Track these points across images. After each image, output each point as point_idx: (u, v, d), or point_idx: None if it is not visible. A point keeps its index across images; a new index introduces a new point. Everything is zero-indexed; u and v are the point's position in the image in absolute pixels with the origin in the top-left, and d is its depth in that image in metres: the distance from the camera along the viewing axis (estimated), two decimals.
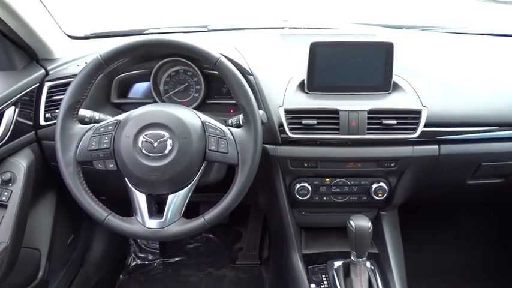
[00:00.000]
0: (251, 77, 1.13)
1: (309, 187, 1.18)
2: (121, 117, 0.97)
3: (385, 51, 1.10)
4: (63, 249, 1.49)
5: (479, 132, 1.14)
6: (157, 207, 1.01)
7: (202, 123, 0.96)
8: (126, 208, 1.03)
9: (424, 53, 1.35)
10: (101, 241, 1.72)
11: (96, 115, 1.04)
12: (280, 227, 1.30)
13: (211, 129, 0.95)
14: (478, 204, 1.66)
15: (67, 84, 0.97)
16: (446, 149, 1.14)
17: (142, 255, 1.90)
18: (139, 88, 1.26)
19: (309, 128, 1.09)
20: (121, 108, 1.21)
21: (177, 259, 1.88)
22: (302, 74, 1.14)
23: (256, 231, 1.91)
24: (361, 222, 1.04)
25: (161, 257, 1.88)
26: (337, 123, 1.08)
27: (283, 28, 1.51)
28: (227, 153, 0.94)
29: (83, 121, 1.00)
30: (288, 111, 1.09)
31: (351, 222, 1.05)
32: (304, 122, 1.08)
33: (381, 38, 1.13)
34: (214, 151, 0.94)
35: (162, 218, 0.94)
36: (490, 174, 1.22)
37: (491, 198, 1.54)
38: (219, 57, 0.95)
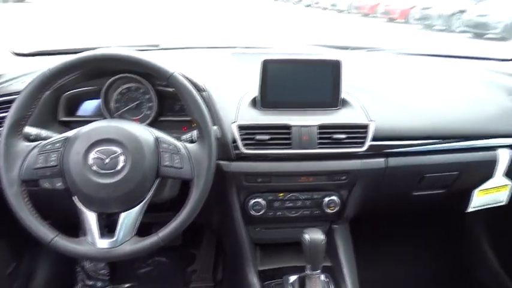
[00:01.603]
0: (204, 94, 1.13)
1: (263, 202, 1.18)
2: (70, 133, 0.94)
3: (333, 68, 1.15)
4: (4, 280, 1.39)
5: (423, 145, 1.21)
6: (108, 227, 0.97)
7: (156, 138, 0.95)
8: (74, 231, 0.99)
9: (370, 72, 1.43)
10: (46, 269, 1.62)
11: (43, 132, 1.00)
12: (235, 244, 1.29)
13: (164, 145, 0.94)
14: (427, 214, 1.74)
15: (11, 101, 0.93)
16: (393, 161, 1.19)
17: (91, 283, 1.80)
18: (89, 106, 1.22)
19: (262, 144, 1.10)
20: (69, 126, 1.17)
21: (128, 285, 1.80)
22: (255, 91, 1.16)
23: (209, 252, 1.88)
24: (314, 236, 1.06)
25: (111, 284, 1.80)
26: (289, 138, 1.11)
27: (234, 48, 1.54)
28: (181, 168, 0.93)
29: (28, 139, 0.96)
30: (241, 127, 1.10)
31: (305, 235, 1.06)
32: (257, 137, 1.10)
33: (328, 56, 1.19)
34: (168, 166, 0.93)
35: (113, 237, 0.91)
36: (433, 185, 1.29)
37: (436, 209, 1.62)
38: (172, 71, 0.96)
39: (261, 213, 1.19)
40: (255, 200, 1.18)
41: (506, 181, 1.33)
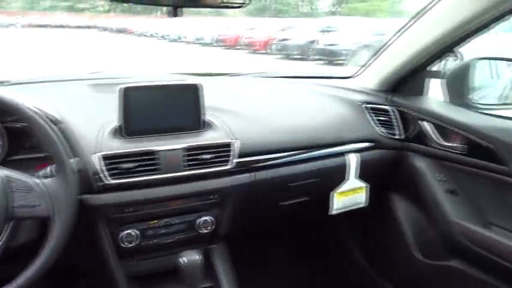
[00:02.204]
0: (62, 125, 1.07)
1: (136, 233, 1.14)
2: None
3: (193, 92, 1.18)
4: None
5: (285, 157, 1.31)
6: None
7: (4, 177, 0.86)
8: None
9: (232, 95, 1.50)
10: None
11: None
12: (108, 283, 1.21)
13: (15, 184, 0.86)
14: (299, 226, 1.85)
15: None
16: (260, 175, 1.26)
17: None
18: None
19: (128, 172, 1.08)
20: None
21: None
22: (116, 120, 1.13)
23: None
24: (190, 257, 1.06)
25: None
26: (156, 164, 1.10)
27: (93, 79, 1.49)
28: (37, 206, 0.86)
29: None
30: (104, 157, 1.06)
31: (180, 259, 1.06)
32: (122, 166, 1.07)
33: (188, 81, 1.22)
34: (21, 206, 0.85)
35: None
36: (298, 194, 1.39)
37: (305, 218, 1.74)
38: (19, 103, 0.89)
39: (134, 244, 1.14)
40: (126, 232, 1.13)
41: (360, 183, 1.49)
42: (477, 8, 1.23)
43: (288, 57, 13.33)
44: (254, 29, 15.97)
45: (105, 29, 26.40)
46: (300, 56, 13.15)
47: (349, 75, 1.76)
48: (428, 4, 1.37)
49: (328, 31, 13.08)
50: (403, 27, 1.47)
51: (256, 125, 1.32)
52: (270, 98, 1.53)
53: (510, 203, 1.29)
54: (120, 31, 24.97)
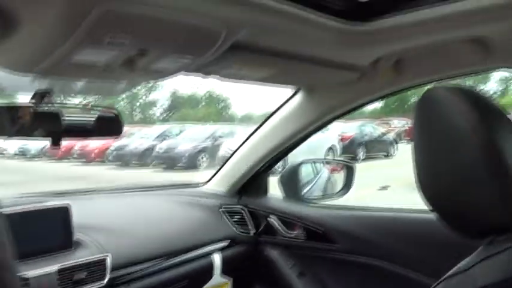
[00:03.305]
0: None
1: None
2: None
3: (62, 213, 1.22)
4: None
5: (156, 266, 1.38)
6: None
7: None
8: None
9: (99, 211, 1.54)
10: None
11: None
12: None
13: None
14: None
15: None
16: (135, 286, 1.30)
17: None
18: None
19: None
20: None
21: None
22: None
23: None
24: None
25: None
26: None
27: None
28: None
29: None
30: None
31: None
32: None
33: (54, 203, 1.24)
34: None
35: None
36: None
37: None
38: None
39: None
40: None
41: (224, 279, 1.64)
42: (304, 121, 1.61)
43: (127, 165, 13.18)
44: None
45: None
46: (138, 163, 13.15)
47: (202, 182, 1.97)
48: (267, 118, 1.71)
49: (164, 137, 13.59)
50: (247, 138, 1.78)
51: (125, 238, 1.38)
52: (134, 210, 1.62)
53: (345, 276, 1.59)
54: None
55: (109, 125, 1.17)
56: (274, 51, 1.07)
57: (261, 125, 1.74)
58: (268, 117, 1.71)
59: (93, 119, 1.13)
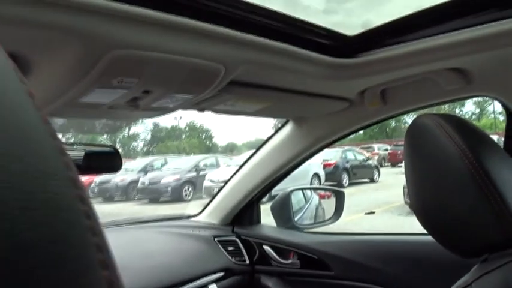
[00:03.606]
0: None
1: None
2: None
3: None
4: None
5: None
6: None
7: None
8: None
9: None
10: None
11: None
12: None
13: None
14: None
15: None
16: None
17: None
18: None
19: None
20: None
21: None
22: None
23: None
24: None
25: None
26: None
27: None
28: None
29: None
30: None
31: None
32: None
33: None
34: None
35: None
36: None
37: None
38: None
39: None
40: None
41: None
42: (295, 150, 1.66)
43: (111, 199, 12.97)
44: None
45: None
46: (122, 197, 12.97)
47: (194, 214, 1.98)
48: (258, 148, 1.76)
49: (148, 170, 13.47)
50: (237, 170, 1.81)
51: (120, 272, 1.38)
52: (129, 244, 1.62)
53: None
54: None
55: (108, 161, 1.19)
56: (268, 86, 1.13)
57: (252, 156, 1.78)
58: (260, 147, 1.76)
59: (92, 155, 1.15)
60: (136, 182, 12.71)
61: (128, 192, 12.96)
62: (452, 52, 1.02)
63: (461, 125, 0.70)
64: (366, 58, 1.09)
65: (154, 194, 11.96)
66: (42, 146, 0.17)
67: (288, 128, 1.66)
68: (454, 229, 0.68)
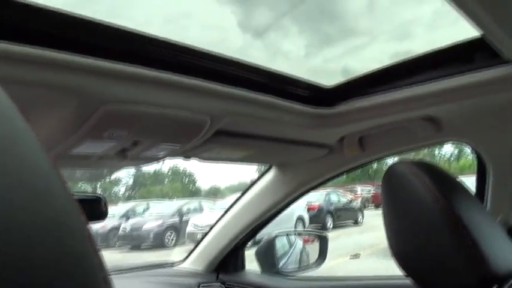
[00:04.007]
0: None
1: None
2: None
3: None
4: None
5: None
6: None
7: None
8: None
9: None
10: None
11: None
12: None
13: None
14: None
15: None
16: None
17: None
18: None
19: None
20: None
21: None
22: None
23: None
24: None
25: None
26: None
27: None
28: None
29: None
30: None
31: None
32: None
33: None
34: None
35: None
36: None
37: None
38: None
39: None
40: None
41: None
42: (278, 195, 1.69)
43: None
44: None
45: None
46: (102, 244, 12.60)
47: (178, 261, 1.96)
48: (240, 195, 1.78)
49: (130, 216, 13.20)
50: (221, 216, 1.82)
51: None
52: None
53: None
54: None
55: (93, 209, 1.20)
56: (251, 135, 1.18)
57: (236, 201, 1.80)
58: (244, 193, 1.79)
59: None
60: (117, 228, 12.39)
61: (108, 239, 12.60)
62: (424, 102, 1.09)
63: (434, 172, 0.75)
64: (344, 108, 1.16)
65: (136, 241, 11.66)
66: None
67: (271, 174, 1.70)
68: (431, 272, 0.71)
